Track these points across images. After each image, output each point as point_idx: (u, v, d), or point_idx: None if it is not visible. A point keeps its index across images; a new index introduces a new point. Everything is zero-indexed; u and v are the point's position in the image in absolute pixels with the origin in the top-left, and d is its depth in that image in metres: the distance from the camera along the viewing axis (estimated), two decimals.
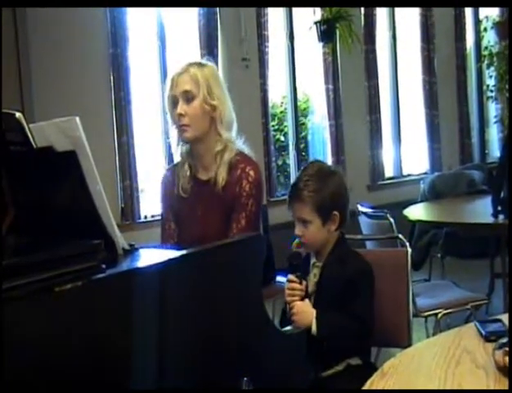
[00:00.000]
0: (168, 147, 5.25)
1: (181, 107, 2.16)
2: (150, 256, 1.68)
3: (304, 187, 1.95)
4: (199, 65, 2.22)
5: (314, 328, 1.88)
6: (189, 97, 2.16)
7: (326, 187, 1.95)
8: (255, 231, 2.15)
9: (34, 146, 1.59)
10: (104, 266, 1.42)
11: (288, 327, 1.91)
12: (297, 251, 2.01)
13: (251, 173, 2.16)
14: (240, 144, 2.26)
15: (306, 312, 1.91)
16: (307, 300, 1.93)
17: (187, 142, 2.24)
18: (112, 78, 4.89)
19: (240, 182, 2.15)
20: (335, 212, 1.96)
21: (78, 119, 1.56)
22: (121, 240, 1.67)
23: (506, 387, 1.23)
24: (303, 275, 1.96)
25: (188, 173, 2.24)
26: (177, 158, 2.31)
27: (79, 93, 4.70)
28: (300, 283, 1.94)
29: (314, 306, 1.92)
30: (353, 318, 1.88)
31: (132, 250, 1.69)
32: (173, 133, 2.27)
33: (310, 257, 2.04)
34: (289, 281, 1.95)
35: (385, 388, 1.28)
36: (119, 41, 4.87)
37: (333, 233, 1.99)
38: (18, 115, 1.57)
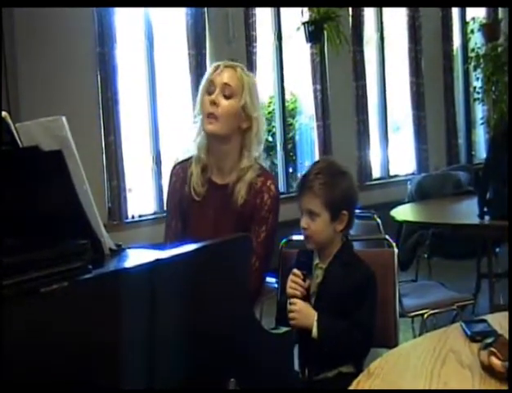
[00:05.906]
0: (156, 147, 5.25)
1: (217, 97, 2.06)
2: (138, 256, 1.67)
3: (315, 179, 1.93)
4: (245, 70, 2.14)
5: (315, 332, 1.86)
6: (227, 92, 2.07)
7: (338, 184, 1.93)
8: (271, 244, 2.11)
9: (20, 145, 1.58)
10: (90, 266, 1.41)
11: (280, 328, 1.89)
12: (308, 249, 1.97)
13: (272, 187, 2.12)
14: (261, 159, 2.18)
15: (306, 313, 1.88)
16: (308, 304, 1.90)
17: (208, 134, 2.11)
18: (99, 77, 4.87)
19: (261, 195, 2.10)
20: (344, 212, 1.94)
21: (64, 118, 1.56)
22: (108, 240, 1.67)
23: (492, 387, 1.24)
24: (309, 274, 1.93)
25: (201, 173, 2.15)
26: (190, 152, 2.18)
27: (66, 93, 4.67)
28: (304, 281, 1.91)
29: (314, 307, 1.90)
30: (357, 326, 1.86)
31: (119, 251, 1.69)
32: (193, 125, 2.16)
33: (313, 257, 1.99)
34: (294, 274, 1.92)
35: (371, 388, 1.29)
36: (106, 40, 4.85)
37: (338, 234, 1.97)
38: (4, 114, 1.57)
